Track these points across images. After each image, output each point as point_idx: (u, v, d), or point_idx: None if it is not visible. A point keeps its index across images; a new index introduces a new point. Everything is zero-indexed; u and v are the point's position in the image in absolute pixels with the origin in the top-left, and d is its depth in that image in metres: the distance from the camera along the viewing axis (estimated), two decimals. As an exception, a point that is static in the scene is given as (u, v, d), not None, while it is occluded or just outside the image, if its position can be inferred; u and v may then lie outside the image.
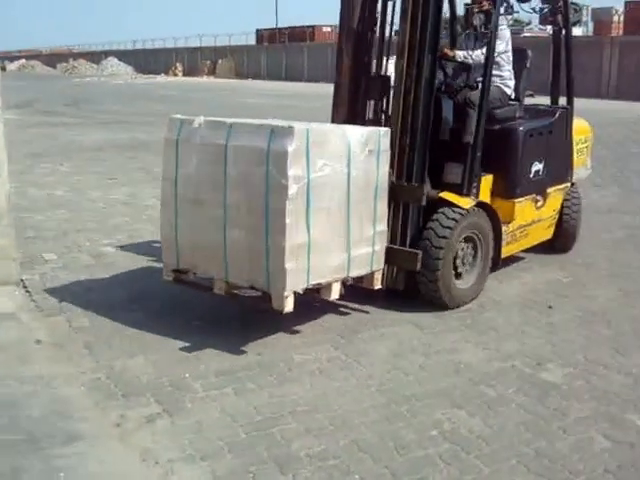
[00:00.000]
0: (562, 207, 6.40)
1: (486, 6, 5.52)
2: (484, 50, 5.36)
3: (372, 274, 4.79)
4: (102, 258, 6.27)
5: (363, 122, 5.29)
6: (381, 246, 4.79)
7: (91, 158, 12.13)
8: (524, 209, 5.81)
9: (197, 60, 59.63)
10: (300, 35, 52.70)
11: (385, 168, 4.74)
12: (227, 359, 4.22)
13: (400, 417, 3.59)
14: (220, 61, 56.90)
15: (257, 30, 58.99)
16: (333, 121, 5.34)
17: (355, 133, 4.53)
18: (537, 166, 5.82)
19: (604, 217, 8.05)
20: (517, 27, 42.03)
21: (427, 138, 5.00)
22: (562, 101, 6.54)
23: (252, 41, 58.26)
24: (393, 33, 5.52)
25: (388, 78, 5.40)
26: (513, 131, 5.65)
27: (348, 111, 5.36)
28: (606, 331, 4.75)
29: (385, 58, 5.50)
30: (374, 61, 5.49)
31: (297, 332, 4.64)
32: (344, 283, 4.62)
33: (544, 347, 4.48)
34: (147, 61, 66.50)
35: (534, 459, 3.22)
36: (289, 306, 4.18)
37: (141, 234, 7.05)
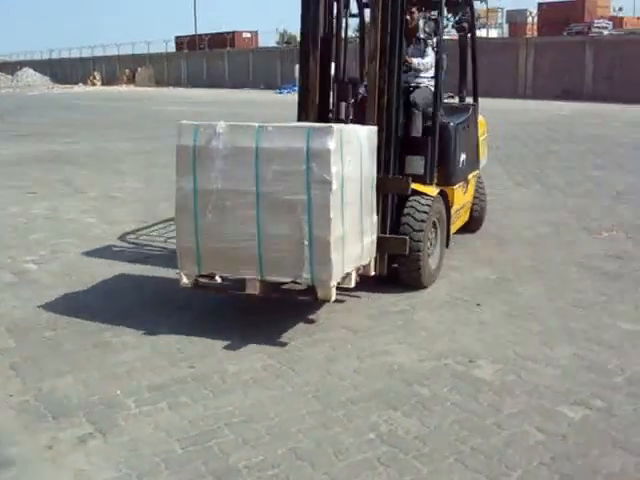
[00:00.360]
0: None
1: (415, 14, 6.04)
2: (431, 57, 6.10)
3: (369, 262, 5.14)
4: (25, 275, 6.09)
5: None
6: (375, 235, 5.20)
7: (8, 172, 11.78)
8: (458, 194, 6.41)
9: (116, 69, 58.75)
10: (220, 41, 52.53)
11: (375, 162, 5.13)
12: (159, 374, 4.15)
13: (337, 422, 3.59)
14: (139, 69, 56.18)
15: (176, 37, 58.49)
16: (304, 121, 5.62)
17: (363, 130, 5.01)
18: (462, 156, 6.31)
19: (527, 214, 8.25)
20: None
21: (398, 134, 5.49)
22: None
23: (172, 48, 57.75)
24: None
25: (357, 81, 5.97)
26: (447, 125, 6.06)
27: (318, 113, 5.72)
28: (533, 326, 4.86)
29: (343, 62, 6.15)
30: (340, 65, 6.19)
31: (231, 342, 4.59)
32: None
33: (475, 344, 4.55)
34: (64, 71, 65.18)
35: (470, 456, 3.27)
36: (334, 295, 4.49)
37: (64, 248, 6.88)
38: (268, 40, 55.77)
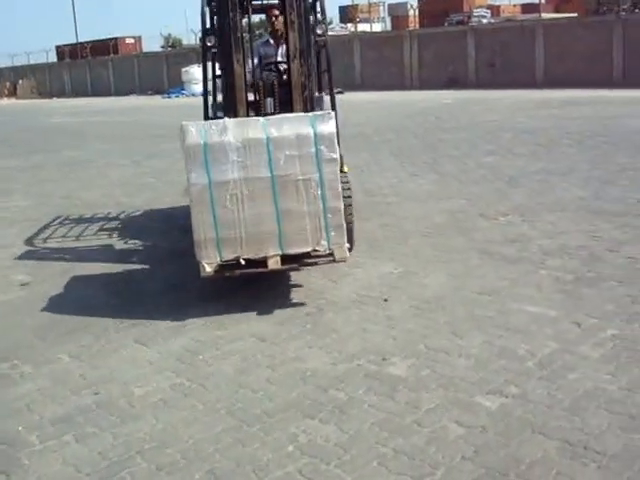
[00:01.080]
0: None
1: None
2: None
3: None
4: None
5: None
6: None
7: None
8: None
9: (-5, 83, 56.39)
10: (103, 49, 51.25)
11: None
12: (62, 404, 3.92)
13: (254, 438, 3.46)
14: (20, 81, 54.26)
15: (57, 46, 56.73)
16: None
17: None
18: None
19: (424, 204, 8.32)
20: (319, 27, 43.16)
21: None
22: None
23: (53, 58, 55.95)
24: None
25: (282, 77, 6.36)
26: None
27: (247, 109, 6.16)
28: (442, 317, 4.86)
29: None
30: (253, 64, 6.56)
31: (134, 363, 4.39)
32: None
33: (386, 342, 4.51)
34: (-63, 87, 61.93)
35: (393, 458, 3.21)
36: (348, 255, 5.27)
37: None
38: (152, 44, 54.85)
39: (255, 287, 5.65)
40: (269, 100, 6.27)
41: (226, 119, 5.08)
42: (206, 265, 5.09)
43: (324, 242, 5.15)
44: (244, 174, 5.03)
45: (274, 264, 5.15)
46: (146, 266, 6.53)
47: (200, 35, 6.95)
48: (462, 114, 18.94)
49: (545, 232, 6.73)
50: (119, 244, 7.40)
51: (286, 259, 5.20)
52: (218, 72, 6.79)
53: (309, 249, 5.21)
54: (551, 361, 4.04)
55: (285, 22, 6.16)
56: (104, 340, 4.81)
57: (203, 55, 6.71)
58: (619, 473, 2.96)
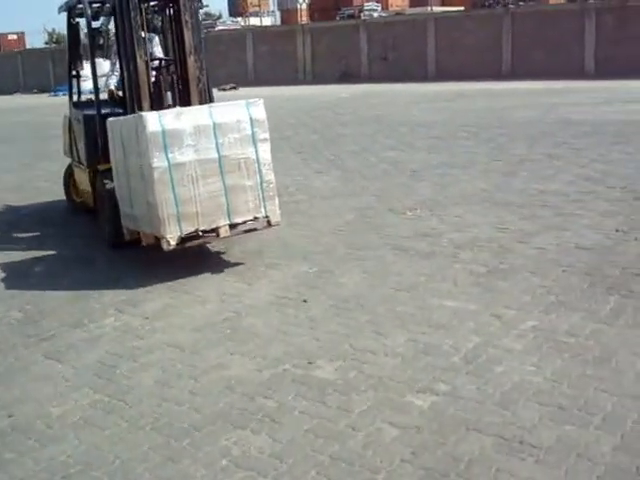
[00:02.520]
0: None
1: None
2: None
3: None
4: None
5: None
6: None
7: None
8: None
9: None
10: (-17, 45, 48.96)
11: None
12: (-28, 431, 3.66)
13: (184, 454, 3.33)
14: None
15: None
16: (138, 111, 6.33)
17: None
18: None
19: (332, 202, 8.29)
20: (209, 21, 42.71)
21: None
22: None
23: None
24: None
25: (187, 72, 6.67)
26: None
27: (150, 102, 6.54)
28: (363, 316, 4.83)
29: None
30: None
31: (48, 380, 4.16)
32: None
33: (310, 344, 4.44)
34: None
35: (331, 465, 3.15)
36: (280, 219, 6.13)
37: None
38: (36, 41, 52.84)
39: (169, 294, 5.49)
40: (169, 93, 6.84)
41: (178, 108, 5.80)
42: (170, 239, 5.60)
43: (262, 210, 5.95)
44: (197, 156, 5.65)
45: (224, 232, 5.85)
46: (47, 273, 6.24)
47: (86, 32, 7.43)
48: (358, 108, 19.09)
49: (454, 225, 6.83)
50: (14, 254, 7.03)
51: (232, 227, 5.91)
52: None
53: (251, 217, 5.98)
54: (476, 355, 4.08)
55: (179, 21, 6.59)
56: (12, 357, 4.54)
57: (91, 53, 7.21)
58: (557, 466, 3.01)
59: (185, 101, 6.72)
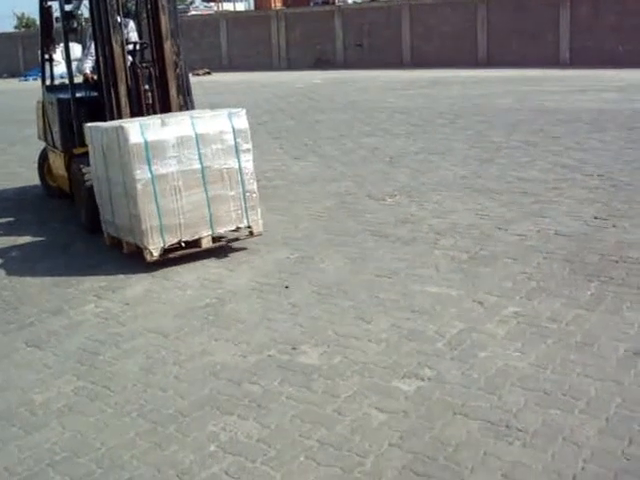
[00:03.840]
0: None
1: None
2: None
3: None
4: None
5: (144, 106, 6.75)
6: None
7: None
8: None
9: None
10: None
11: None
12: (-46, 418, 3.61)
13: (172, 440, 3.31)
14: None
15: None
16: (120, 107, 6.51)
17: None
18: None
19: (311, 187, 8.28)
20: (182, 6, 42.32)
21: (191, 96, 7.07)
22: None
23: None
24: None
25: (163, 57, 6.66)
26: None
27: (127, 87, 6.58)
28: (345, 302, 4.83)
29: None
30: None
31: (30, 368, 4.12)
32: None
33: (294, 330, 4.44)
34: None
35: (320, 450, 3.15)
36: (262, 229, 6.12)
37: None
38: (5, 25, 51.97)
39: (148, 280, 5.46)
40: (141, 76, 6.82)
41: (159, 117, 5.72)
42: (152, 250, 5.58)
43: (245, 220, 5.98)
44: (180, 167, 5.64)
45: (207, 243, 5.85)
46: (24, 259, 6.17)
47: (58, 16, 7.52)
48: (334, 94, 19.05)
49: (434, 212, 6.85)
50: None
51: (215, 238, 5.93)
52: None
53: (234, 227, 5.99)
54: (460, 341, 4.10)
55: (156, 6, 6.59)
56: (-3, 347, 4.48)
57: (65, 37, 7.22)
58: (543, 450, 3.04)
59: (162, 86, 6.72)
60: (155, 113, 6.75)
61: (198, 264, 5.75)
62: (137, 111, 6.67)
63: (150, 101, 6.82)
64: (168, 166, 5.57)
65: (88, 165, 6.43)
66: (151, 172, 5.51)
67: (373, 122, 13.30)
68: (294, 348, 4.17)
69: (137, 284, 5.41)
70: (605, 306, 4.47)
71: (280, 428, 3.35)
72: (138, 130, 5.50)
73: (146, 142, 5.48)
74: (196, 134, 5.71)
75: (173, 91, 6.75)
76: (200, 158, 5.71)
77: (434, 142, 10.71)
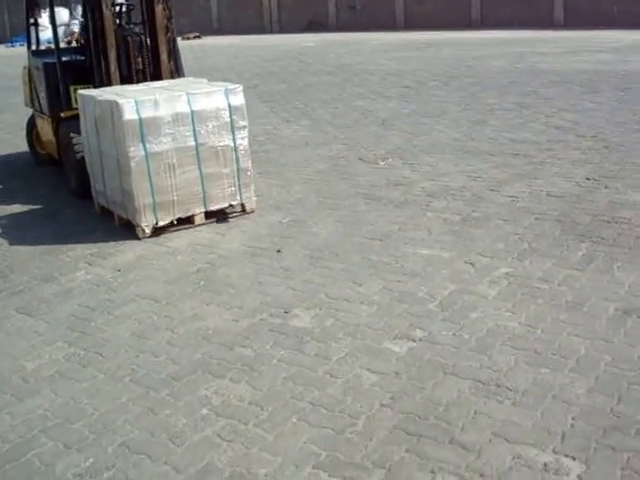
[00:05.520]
0: None
1: None
2: None
3: None
4: None
5: (134, 71, 6.74)
6: None
7: None
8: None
9: None
10: None
11: None
12: (-54, 385, 3.61)
13: (164, 404, 3.32)
14: None
15: None
16: (110, 72, 6.48)
17: None
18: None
19: (302, 151, 8.24)
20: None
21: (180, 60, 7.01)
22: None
23: None
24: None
25: (154, 21, 6.59)
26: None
27: (117, 52, 6.56)
28: (337, 265, 4.83)
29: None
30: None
31: (21, 335, 4.12)
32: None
33: (285, 293, 4.44)
34: None
35: (312, 411, 3.17)
36: (255, 206, 6.09)
37: None
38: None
39: (139, 246, 5.44)
40: (137, 39, 6.77)
41: (156, 95, 5.52)
42: (145, 227, 5.57)
43: (238, 197, 5.94)
44: (174, 144, 5.57)
45: (200, 220, 5.81)
46: (14, 226, 6.14)
47: None
48: (326, 57, 18.87)
49: (426, 174, 6.83)
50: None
51: (207, 214, 5.85)
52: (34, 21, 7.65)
53: (226, 205, 5.92)
54: (451, 302, 4.11)
55: None
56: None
57: (50, 1, 7.24)
58: (533, 408, 3.05)
59: (153, 51, 6.65)
60: (145, 79, 6.68)
61: (190, 229, 5.72)
62: (127, 76, 6.61)
63: (140, 66, 6.74)
64: (162, 143, 5.50)
65: (77, 131, 6.37)
66: (145, 149, 5.44)
67: (366, 85, 13.19)
68: (286, 311, 4.17)
69: (128, 250, 5.39)
70: (596, 266, 4.48)
71: (272, 390, 3.36)
72: (133, 106, 5.39)
73: (140, 119, 5.39)
74: (192, 111, 5.61)
75: (164, 56, 6.69)
76: (195, 135, 5.64)
77: (427, 104, 10.63)
